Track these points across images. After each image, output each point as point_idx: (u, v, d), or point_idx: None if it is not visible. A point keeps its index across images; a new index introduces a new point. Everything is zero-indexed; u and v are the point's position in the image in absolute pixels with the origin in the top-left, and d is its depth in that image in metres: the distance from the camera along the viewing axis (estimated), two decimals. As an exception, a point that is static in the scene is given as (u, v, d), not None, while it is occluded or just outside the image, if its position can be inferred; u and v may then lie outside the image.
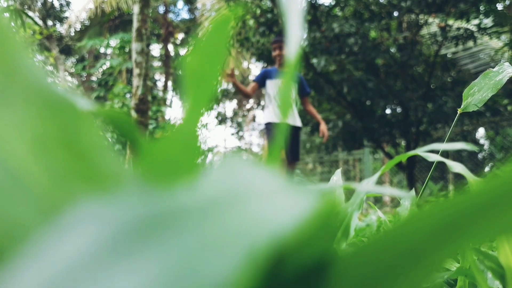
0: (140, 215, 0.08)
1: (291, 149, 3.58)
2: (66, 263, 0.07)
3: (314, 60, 5.54)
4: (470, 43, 5.62)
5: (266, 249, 0.08)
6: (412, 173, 5.63)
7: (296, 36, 0.15)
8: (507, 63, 0.55)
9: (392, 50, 5.70)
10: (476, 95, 0.54)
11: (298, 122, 3.63)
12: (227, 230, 0.08)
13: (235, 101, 14.99)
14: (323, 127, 3.50)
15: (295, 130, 3.63)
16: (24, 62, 0.12)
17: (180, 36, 12.67)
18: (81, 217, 0.08)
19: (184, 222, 0.08)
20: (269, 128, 3.51)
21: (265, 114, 3.60)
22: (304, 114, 6.68)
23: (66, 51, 13.64)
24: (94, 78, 13.00)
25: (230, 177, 0.10)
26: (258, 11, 5.32)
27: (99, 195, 0.12)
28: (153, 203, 0.09)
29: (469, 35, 5.25)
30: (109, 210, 0.08)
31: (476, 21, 5.39)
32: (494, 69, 0.54)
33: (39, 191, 0.11)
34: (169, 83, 12.57)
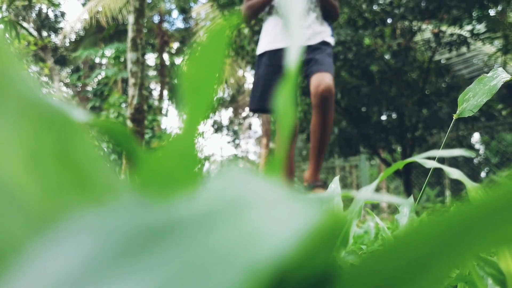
0: (135, 227, 0.08)
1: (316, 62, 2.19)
2: (58, 277, 0.07)
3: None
4: (464, 49, 5.66)
5: (268, 262, 0.07)
6: (409, 179, 5.64)
7: (297, 44, 0.15)
8: (500, 69, 0.55)
9: (387, 56, 5.73)
10: (471, 100, 0.54)
11: (317, 38, 2.30)
12: (227, 243, 0.08)
13: (231, 110, 15.01)
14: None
15: (315, 48, 2.28)
16: (18, 74, 0.12)
17: (175, 45, 12.70)
18: (75, 229, 0.08)
19: (182, 234, 0.08)
20: (260, 64, 2.35)
21: (260, 42, 2.43)
22: (300, 122, 6.69)
23: (61, 61, 13.63)
24: (89, 88, 12.99)
25: (229, 187, 0.10)
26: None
27: (94, 207, 0.12)
28: (150, 214, 0.08)
29: (462, 41, 5.29)
30: (104, 222, 0.08)
31: (469, 27, 5.44)
32: (488, 75, 0.54)
33: (32, 204, 0.11)
34: (165, 92, 12.58)
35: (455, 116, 0.55)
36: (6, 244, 0.10)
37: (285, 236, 0.08)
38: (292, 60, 0.15)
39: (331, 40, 2.40)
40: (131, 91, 3.87)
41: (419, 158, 0.38)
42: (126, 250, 0.08)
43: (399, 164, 0.36)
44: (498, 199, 0.10)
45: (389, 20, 5.57)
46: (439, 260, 0.10)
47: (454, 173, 0.37)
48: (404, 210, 0.48)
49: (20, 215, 0.11)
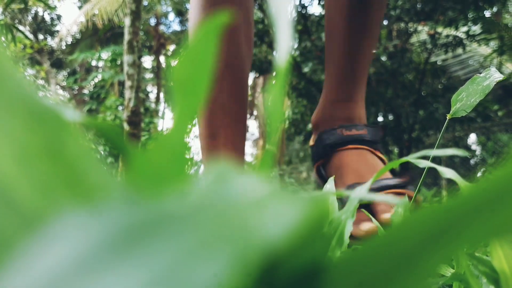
0: (125, 223, 0.08)
1: None
2: (48, 275, 0.07)
3: (306, 69, 5.57)
4: (460, 50, 5.68)
5: (256, 256, 0.08)
6: (406, 180, 5.64)
7: (286, 44, 0.15)
8: (493, 69, 0.55)
9: (383, 58, 5.75)
10: (464, 100, 0.54)
11: None
12: (216, 237, 0.08)
13: (227, 112, 14.99)
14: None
15: None
16: (8, 72, 0.12)
17: (171, 47, 12.70)
18: (64, 227, 0.08)
19: (171, 230, 0.08)
20: None
21: None
22: (297, 123, 6.69)
23: (58, 64, 13.61)
24: (86, 91, 12.97)
25: (219, 185, 0.10)
26: (249, 22, 5.34)
27: (84, 204, 0.12)
28: (139, 210, 0.09)
29: (458, 42, 5.32)
30: (93, 219, 0.08)
31: (464, 28, 5.47)
32: (481, 75, 0.54)
33: (22, 201, 0.11)
34: (161, 95, 12.57)
35: (448, 116, 0.55)
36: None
37: (273, 230, 0.08)
38: (281, 59, 0.15)
39: None
40: (128, 93, 3.86)
41: (413, 158, 0.38)
42: (115, 247, 0.08)
43: (394, 164, 0.36)
44: (484, 192, 0.10)
45: (385, 22, 5.58)
46: (428, 253, 0.10)
47: (448, 173, 0.37)
48: (399, 210, 0.48)
49: (10, 212, 0.11)
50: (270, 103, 0.15)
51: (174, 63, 0.14)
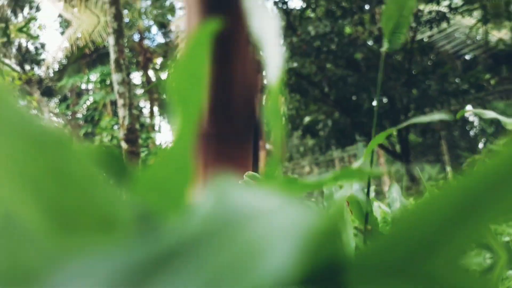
0: (131, 263, 0.08)
1: None
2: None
3: (295, 64, 5.58)
4: (444, 25, 5.69)
5: (272, 279, 0.07)
6: (409, 160, 5.66)
7: (276, 61, 0.15)
8: None
9: (369, 42, 5.76)
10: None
11: None
12: (228, 265, 0.08)
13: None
14: None
15: None
16: (6, 100, 0.12)
17: (159, 60, 12.69)
18: (80, 266, 0.08)
19: (179, 267, 0.08)
20: None
21: None
22: (293, 119, 6.69)
23: (48, 92, 13.59)
24: (79, 115, 12.96)
25: (225, 203, 0.10)
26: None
27: (95, 234, 0.11)
28: (148, 246, 0.09)
29: (441, 17, 5.33)
30: (105, 259, 0.08)
31: (446, 2, 5.47)
32: None
33: (34, 229, 0.11)
34: (155, 109, 12.56)
35: (385, 49, 0.54)
36: (19, 276, 0.10)
37: (284, 251, 0.08)
38: (273, 77, 0.15)
39: None
40: (121, 112, 3.86)
41: (406, 123, 0.38)
42: (128, 285, 0.08)
43: (380, 138, 0.36)
44: (498, 167, 0.10)
45: (366, 7, 5.59)
46: (451, 234, 0.10)
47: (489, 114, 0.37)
48: (393, 195, 0.48)
49: (26, 243, 0.11)
50: (269, 112, 0.15)
51: (168, 75, 0.14)
